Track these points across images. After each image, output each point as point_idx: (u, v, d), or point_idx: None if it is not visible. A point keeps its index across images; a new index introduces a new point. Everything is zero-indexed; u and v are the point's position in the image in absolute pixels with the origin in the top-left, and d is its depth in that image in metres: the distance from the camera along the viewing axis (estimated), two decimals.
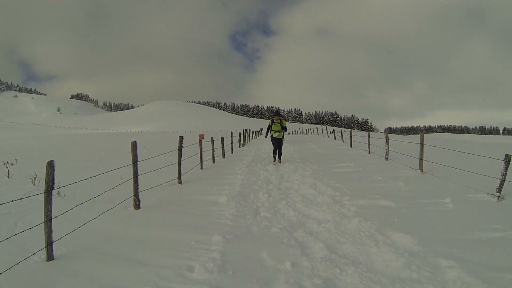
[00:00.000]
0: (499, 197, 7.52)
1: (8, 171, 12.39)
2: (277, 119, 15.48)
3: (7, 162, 13.27)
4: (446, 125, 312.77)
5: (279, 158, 15.60)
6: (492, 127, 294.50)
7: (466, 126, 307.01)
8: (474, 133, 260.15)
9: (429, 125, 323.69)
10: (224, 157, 18.14)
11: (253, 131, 46.06)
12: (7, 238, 4.90)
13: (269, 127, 15.82)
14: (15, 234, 5.22)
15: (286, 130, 15.69)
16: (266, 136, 16.15)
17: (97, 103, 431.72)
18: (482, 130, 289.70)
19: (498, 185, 7.57)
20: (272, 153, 16.17)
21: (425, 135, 12.46)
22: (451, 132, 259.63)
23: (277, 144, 15.47)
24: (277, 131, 15.39)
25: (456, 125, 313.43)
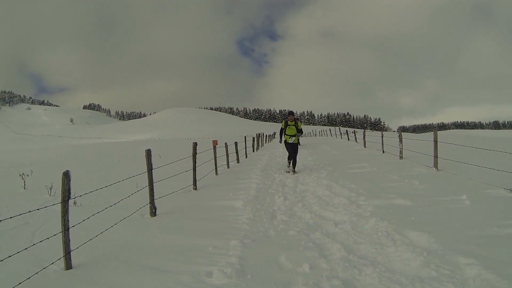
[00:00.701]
0: None
1: (24, 182, 12.51)
2: (291, 120, 13.35)
3: (23, 174, 13.39)
4: (459, 121, 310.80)
5: (293, 166, 13.37)
6: (506, 122, 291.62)
7: (480, 122, 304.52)
8: (488, 128, 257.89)
9: (442, 122, 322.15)
10: (238, 162, 18.21)
11: (266, 135, 46.00)
12: (26, 248, 4.96)
13: (282, 131, 13.74)
14: (33, 244, 5.27)
15: (302, 133, 13.71)
16: (280, 141, 13.94)
17: (110, 113, 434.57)
18: (496, 125, 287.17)
19: None
20: (287, 159, 13.85)
21: (438, 132, 12.39)
22: (464, 128, 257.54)
23: (292, 150, 13.37)
24: (292, 136, 13.34)
25: (470, 121, 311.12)
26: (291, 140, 13.35)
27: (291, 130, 13.41)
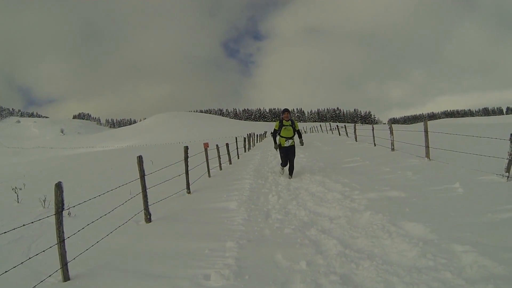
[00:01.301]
0: (508, 177, 7.50)
1: (17, 196, 12.45)
2: (286, 119, 11.33)
3: (16, 187, 13.33)
4: (449, 110, 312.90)
5: (290, 173, 11.60)
6: (496, 108, 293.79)
7: (470, 110, 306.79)
8: (478, 116, 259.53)
9: (432, 112, 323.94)
10: (230, 163, 18.15)
11: (257, 135, 46.08)
12: (22, 263, 4.91)
13: (276, 132, 11.63)
14: (30, 258, 5.22)
15: (300, 135, 11.76)
16: (276, 147, 11.70)
17: (100, 121, 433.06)
18: (485, 112, 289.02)
19: (506, 165, 7.56)
20: (280, 165, 11.96)
21: (429, 122, 12.47)
22: (454, 117, 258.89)
23: (288, 154, 11.39)
24: (289, 138, 11.37)
25: (459, 109, 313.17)
26: (288, 143, 11.36)
27: (287, 131, 11.40)
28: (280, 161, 11.86)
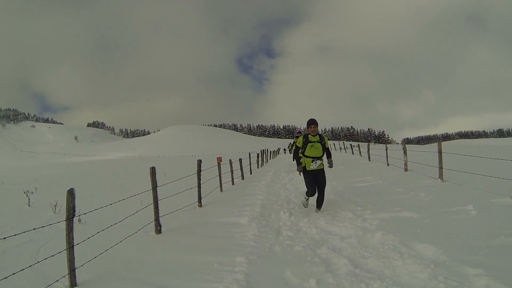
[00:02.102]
0: None
1: (29, 199, 12.58)
2: (313, 132, 8.63)
3: (27, 191, 13.47)
4: (463, 131, 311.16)
5: (319, 205, 8.82)
6: (511, 129, 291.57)
7: (484, 131, 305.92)
8: (492, 137, 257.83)
9: (446, 133, 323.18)
10: (243, 178, 18.12)
11: (270, 151, 46.09)
12: (30, 266, 4.95)
13: (298, 150, 8.90)
14: (38, 262, 5.27)
15: (330, 154, 9.13)
16: (300, 170, 8.81)
17: (114, 130, 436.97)
18: (500, 133, 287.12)
19: None
20: (305, 194, 9.06)
21: (443, 142, 12.37)
22: (468, 138, 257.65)
23: (317, 180, 8.66)
24: (317, 158, 8.58)
25: (474, 130, 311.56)
26: (315, 166, 8.59)
27: (314, 149, 8.59)
28: (307, 190, 8.84)
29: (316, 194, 8.75)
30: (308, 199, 9.01)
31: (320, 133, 8.75)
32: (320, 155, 8.63)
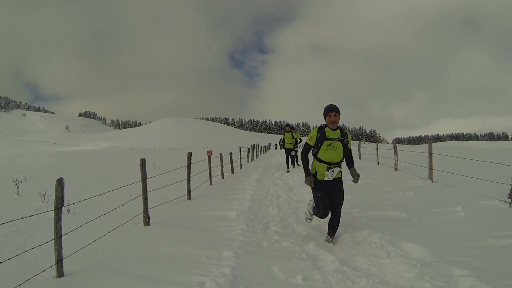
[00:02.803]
0: (510, 203, 7.46)
1: (18, 188, 12.51)
2: (333, 126, 5.98)
3: (17, 180, 13.39)
4: (454, 133, 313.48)
5: (332, 231, 6.19)
6: (501, 133, 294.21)
7: (475, 134, 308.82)
8: (483, 140, 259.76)
9: (437, 134, 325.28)
10: (233, 172, 18.13)
11: (261, 146, 46.07)
12: (17, 255, 4.93)
13: (308, 151, 6.16)
14: (25, 251, 5.22)
15: (352, 161, 6.38)
16: (310, 182, 6.09)
17: (105, 121, 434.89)
18: (491, 137, 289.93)
19: (510, 191, 7.53)
20: (310, 209, 6.69)
21: (433, 144, 12.44)
22: (459, 140, 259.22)
23: (333, 195, 6.12)
24: (335, 165, 6.00)
25: (465, 132, 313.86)
26: (331, 176, 6.05)
27: (333, 151, 5.99)
28: (314, 205, 6.47)
29: (329, 216, 6.27)
30: (312, 215, 6.73)
31: (343, 128, 6.21)
32: (339, 160, 6.11)
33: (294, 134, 17.64)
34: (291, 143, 17.48)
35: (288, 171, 16.68)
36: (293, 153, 17.92)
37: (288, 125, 16.64)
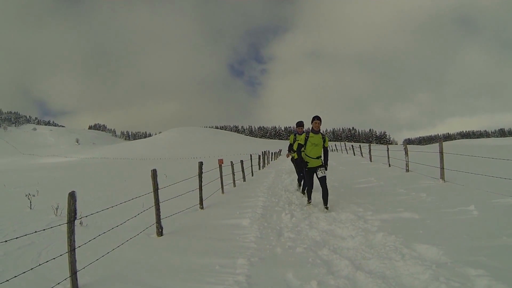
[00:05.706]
0: None
1: (30, 202, 12.60)
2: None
3: (29, 194, 13.50)
4: (464, 131, 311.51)
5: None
6: None
7: (485, 131, 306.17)
8: (494, 137, 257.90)
9: (448, 133, 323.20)
10: (244, 180, 18.10)
11: (271, 153, 46.07)
12: (32, 269, 4.96)
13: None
14: (39, 265, 5.27)
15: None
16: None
17: (115, 133, 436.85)
18: (501, 133, 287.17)
19: None
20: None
21: (444, 143, 12.37)
22: (470, 138, 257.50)
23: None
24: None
25: (475, 130, 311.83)
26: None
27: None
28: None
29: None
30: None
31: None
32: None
33: (326, 140, 9.45)
34: (319, 157, 9.32)
35: (309, 202, 9.76)
36: (320, 174, 9.14)
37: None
